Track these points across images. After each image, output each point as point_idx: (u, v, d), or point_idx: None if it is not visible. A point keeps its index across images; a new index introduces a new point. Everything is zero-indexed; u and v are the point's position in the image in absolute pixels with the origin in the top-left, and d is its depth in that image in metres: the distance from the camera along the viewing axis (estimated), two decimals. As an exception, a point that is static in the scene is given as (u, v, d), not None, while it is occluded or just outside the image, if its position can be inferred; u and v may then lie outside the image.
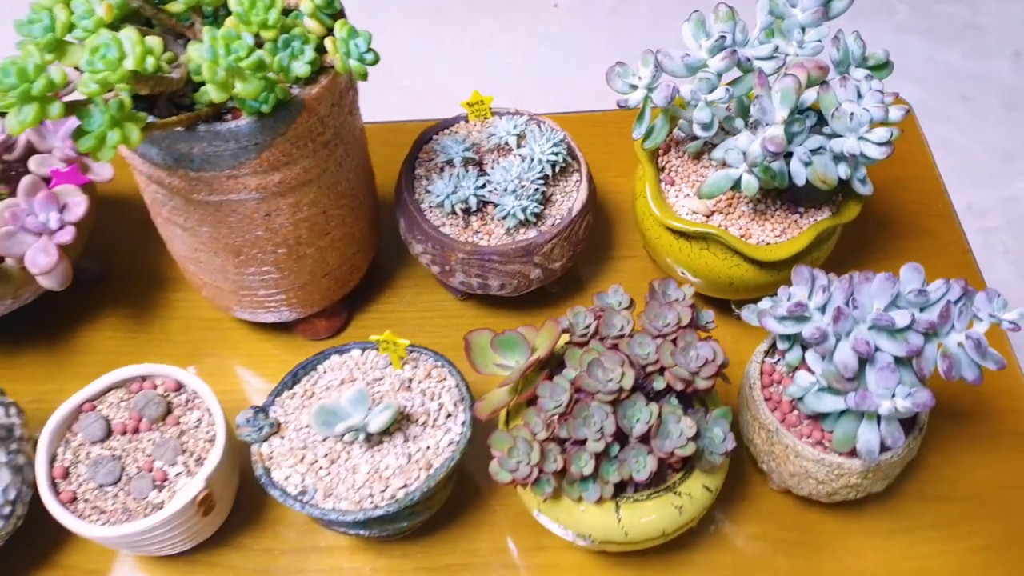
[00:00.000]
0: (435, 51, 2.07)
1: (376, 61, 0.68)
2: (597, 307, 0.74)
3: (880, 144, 0.72)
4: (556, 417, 0.69)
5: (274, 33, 0.64)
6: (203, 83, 0.66)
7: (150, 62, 0.58)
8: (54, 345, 0.91)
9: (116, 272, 0.97)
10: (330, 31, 0.68)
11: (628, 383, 0.67)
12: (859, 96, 0.73)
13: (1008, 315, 0.65)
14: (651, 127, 0.79)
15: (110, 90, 0.59)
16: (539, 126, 0.88)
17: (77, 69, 0.60)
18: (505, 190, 0.83)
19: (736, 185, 0.76)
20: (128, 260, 0.98)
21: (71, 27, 0.61)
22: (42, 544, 0.80)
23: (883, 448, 0.69)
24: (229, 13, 0.68)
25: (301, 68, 0.66)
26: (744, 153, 0.74)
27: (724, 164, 0.78)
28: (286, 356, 0.91)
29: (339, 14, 0.70)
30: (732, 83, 0.75)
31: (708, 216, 0.82)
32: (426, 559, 0.81)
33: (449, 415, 0.75)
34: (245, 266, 0.78)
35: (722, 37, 0.72)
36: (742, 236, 0.81)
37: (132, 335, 0.93)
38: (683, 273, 0.86)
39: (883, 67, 0.78)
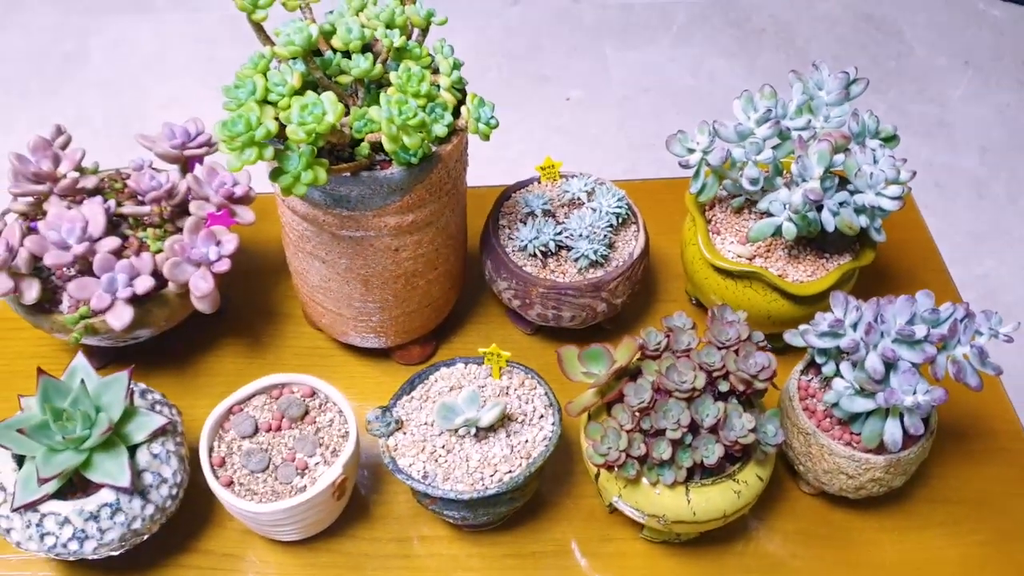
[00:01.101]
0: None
1: (497, 125, 0.85)
2: (666, 328, 0.90)
3: (893, 199, 0.90)
4: (639, 412, 0.84)
5: (423, 101, 0.81)
6: (361, 140, 0.83)
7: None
8: (184, 368, 1.05)
9: (235, 307, 1.11)
10: (460, 102, 0.86)
11: (700, 383, 0.83)
12: (875, 160, 0.91)
13: (1003, 329, 0.82)
14: (704, 184, 0.97)
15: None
16: (604, 185, 1.05)
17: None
18: (580, 236, 0.99)
19: (777, 231, 0.93)
20: (245, 298, 1.13)
21: (267, 92, 0.78)
22: (184, 530, 0.93)
23: (907, 439, 0.85)
24: (382, 85, 0.85)
25: (441, 129, 0.82)
26: (785, 204, 0.91)
27: (765, 214, 0.96)
28: (383, 378, 1.06)
29: (464, 89, 0.88)
30: (774, 148, 0.92)
31: (750, 259, 0.99)
32: (513, 547, 0.94)
33: (541, 416, 0.90)
34: (369, 294, 0.93)
35: (768, 110, 0.90)
36: (780, 276, 0.98)
37: (248, 360, 1.07)
38: (726, 309, 1.02)
39: (892, 139, 0.96)
